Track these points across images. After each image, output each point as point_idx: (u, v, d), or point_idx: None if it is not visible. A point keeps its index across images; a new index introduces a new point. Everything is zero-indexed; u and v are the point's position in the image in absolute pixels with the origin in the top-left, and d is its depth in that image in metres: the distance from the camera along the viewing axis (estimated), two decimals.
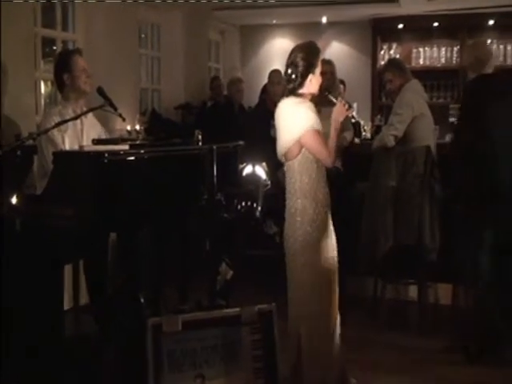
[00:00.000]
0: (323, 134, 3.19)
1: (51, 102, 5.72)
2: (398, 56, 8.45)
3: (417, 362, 3.99)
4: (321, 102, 3.38)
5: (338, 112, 3.23)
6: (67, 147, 3.75)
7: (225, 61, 9.55)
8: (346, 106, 3.23)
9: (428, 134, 4.69)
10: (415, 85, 4.77)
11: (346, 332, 3.34)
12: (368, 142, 5.62)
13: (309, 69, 3.19)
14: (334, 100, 3.32)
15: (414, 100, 4.64)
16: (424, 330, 4.42)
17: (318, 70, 3.22)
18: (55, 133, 3.68)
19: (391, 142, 4.60)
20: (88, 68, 3.93)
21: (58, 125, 3.57)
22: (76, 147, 3.73)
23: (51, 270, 3.27)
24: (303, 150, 3.16)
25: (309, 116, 3.15)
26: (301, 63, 3.18)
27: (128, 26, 6.47)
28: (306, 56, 3.19)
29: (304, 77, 3.19)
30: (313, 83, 3.22)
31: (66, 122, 3.64)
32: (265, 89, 7.35)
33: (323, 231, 3.19)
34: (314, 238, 3.15)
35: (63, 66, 3.90)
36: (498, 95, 3.99)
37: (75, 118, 3.75)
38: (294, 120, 3.15)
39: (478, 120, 4.01)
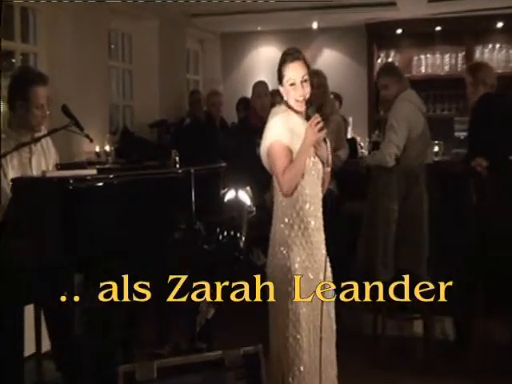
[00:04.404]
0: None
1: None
2: (396, 64, 8.52)
3: None
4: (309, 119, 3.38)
5: (309, 133, 3.10)
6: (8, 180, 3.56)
7: (205, 72, 9.62)
8: (319, 126, 3.07)
9: (424, 151, 4.73)
10: (412, 95, 4.81)
11: (343, 373, 3.34)
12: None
13: (278, 80, 3.22)
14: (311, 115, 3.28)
15: (413, 112, 4.69)
16: (431, 369, 4.43)
17: (285, 80, 3.20)
18: None
19: (391, 162, 4.63)
20: (47, 100, 3.79)
21: (16, 148, 3.56)
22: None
23: (9, 312, 3.26)
24: None
25: (278, 126, 3.14)
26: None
27: (96, 36, 6.51)
28: (278, 67, 3.23)
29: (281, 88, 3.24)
30: (285, 95, 3.22)
31: (26, 144, 3.63)
32: (240, 103, 7.40)
33: (305, 258, 3.18)
34: (294, 265, 3.14)
35: (20, 91, 3.77)
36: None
37: (37, 140, 3.74)
38: (267, 130, 3.18)
39: None
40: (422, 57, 8.87)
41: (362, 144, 7.57)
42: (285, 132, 3.13)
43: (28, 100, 3.73)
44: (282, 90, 3.21)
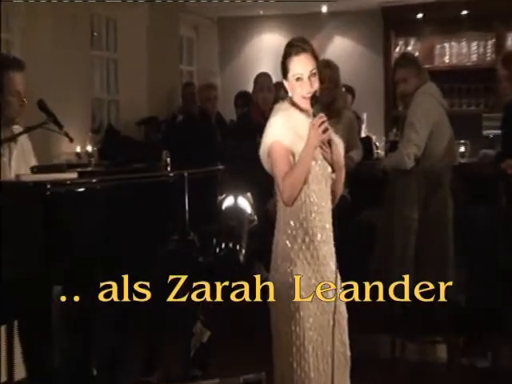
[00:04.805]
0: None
1: None
2: (417, 54, 8.53)
3: None
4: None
5: (312, 134, 3.08)
6: None
7: (200, 63, 9.64)
8: (323, 127, 3.03)
9: (447, 151, 4.74)
10: (433, 88, 4.82)
11: None
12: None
13: (282, 74, 3.22)
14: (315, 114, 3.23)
15: (435, 108, 4.70)
16: None
17: (291, 75, 3.20)
18: None
19: (410, 163, 4.64)
20: (24, 88, 3.76)
21: None
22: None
23: None
24: None
25: (279, 126, 3.14)
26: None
27: (77, 23, 6.53)
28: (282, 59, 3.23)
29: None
30: (290, 91, 3.22)
31: (4, 141, 3.63)
32: (239, 98, 7.41)
33: (311, 275, 3.18)
34: (295, 278, 3.14)
35: None
36: None
37: (14, 137, 3.74)
38: (267, 129, 3.18)
39: None
40: (446, 45, 8.88)
41: (377, 144, 7.58)
42: (286, 132, 3.12)
43: (2, 90, 3.72)
44: (286, 84, 3.21)
